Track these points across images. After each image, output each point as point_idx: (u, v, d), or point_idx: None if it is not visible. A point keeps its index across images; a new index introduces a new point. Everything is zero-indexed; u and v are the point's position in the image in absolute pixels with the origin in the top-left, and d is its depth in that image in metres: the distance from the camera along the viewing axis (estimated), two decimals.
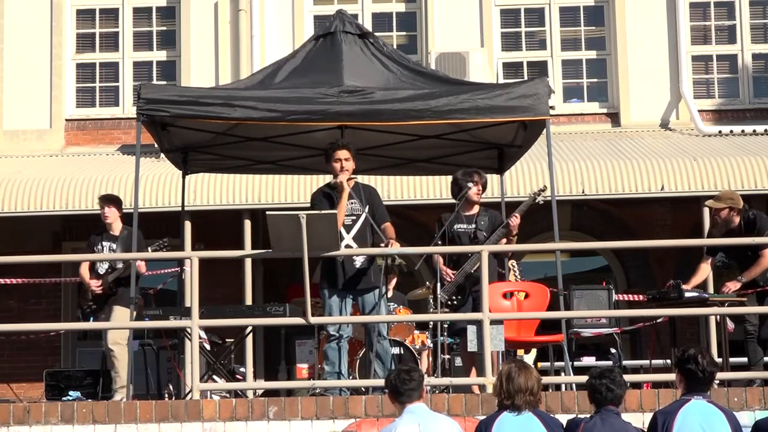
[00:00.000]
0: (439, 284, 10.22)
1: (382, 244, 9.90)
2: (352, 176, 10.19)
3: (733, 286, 10.41)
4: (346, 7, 14.25)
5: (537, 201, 10.45)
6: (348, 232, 9.94)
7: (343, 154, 9.98)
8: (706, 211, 14.54)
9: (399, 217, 13.72)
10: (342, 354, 9.88)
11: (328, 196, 10.03)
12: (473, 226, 10.38)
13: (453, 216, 10.37)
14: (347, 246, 9.82)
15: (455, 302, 10.18)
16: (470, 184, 10.36)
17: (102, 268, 11.55)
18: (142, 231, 10.89)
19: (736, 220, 10.63)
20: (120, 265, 11.42)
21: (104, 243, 11.58)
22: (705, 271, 10.79)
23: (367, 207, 10.02)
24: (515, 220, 10.23)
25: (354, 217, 9.97)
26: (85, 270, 11.62)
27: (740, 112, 17.37)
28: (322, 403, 8.67)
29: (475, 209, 10.48)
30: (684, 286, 10.26)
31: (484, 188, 10.59)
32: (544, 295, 10.88)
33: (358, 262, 9.91)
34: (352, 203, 9.99)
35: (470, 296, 10.17)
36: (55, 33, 17.49)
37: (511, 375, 6.99)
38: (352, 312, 10.11)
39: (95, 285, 11.46)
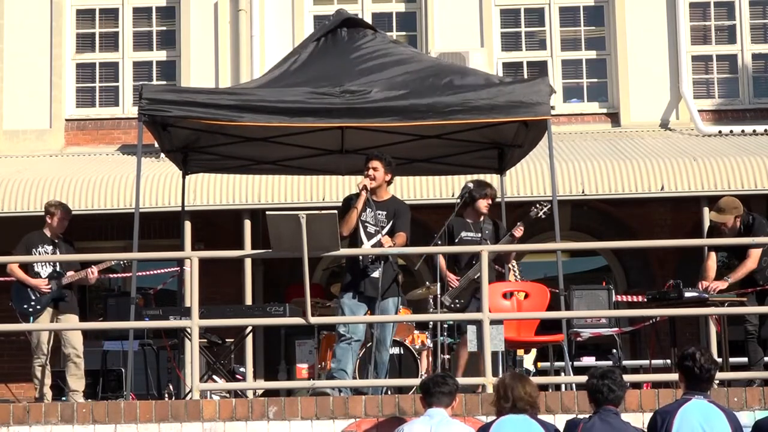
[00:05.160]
0: (439, 289, 10.42)
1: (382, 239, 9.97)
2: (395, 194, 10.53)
3: (720, 285, 10.44)
4: (346, 7, 14.25)
5: (540, 216, 10.71)
6: (369, 239, 10.06)
7: (372, 163, 10.14)
8: (706, 211, 14.57)
9: None
10: (352, 355, 9.89)
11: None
12: (479, 234, 10.68)
13: (460, 223, 10.73)
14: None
15: (458, 305, 10.36)
16: (480, 197, 10.71)
17: (45, 271, 11.34)
18: (143, 231, 10.88)
19: (738, 224, 10.68)
20: (69, 272, 11.34)
21: (46, 247, 11.35)
22: (713, 268, 10.81)
23: (392, 222, 10.10)
24: (519, 232, 10.58)
25: (378, 228, 10.03)
26: (19, 270, 11.29)
27: (740, 112, 17.38)
28: (322, 403, 8.67)
29: (481, 218, 10.81)
30: (705, 285, 10.38)
31: (493, 200, 10.95)
32: (544, 295, 10.88)
33: (376, 272, 9.96)
34: (379, 214, 10.07)
35: (472, 299, 10.30)
36: (55, 33, 17.49)
37: (510, 384, 7.21)
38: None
39: (45, 285, 11.28)
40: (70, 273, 11.41)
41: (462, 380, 9.92)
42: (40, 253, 11.29)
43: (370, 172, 10.09)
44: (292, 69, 10.76)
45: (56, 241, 11.45)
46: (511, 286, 10.87)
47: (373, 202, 10.06)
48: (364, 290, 9.98)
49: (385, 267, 9.97)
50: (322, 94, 10.14)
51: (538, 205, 10.77)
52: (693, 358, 7.02)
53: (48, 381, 11.43)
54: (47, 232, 11.48)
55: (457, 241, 10.62)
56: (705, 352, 7.12)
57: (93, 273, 11.37)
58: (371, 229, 10.06)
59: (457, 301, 10.39)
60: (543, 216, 10.69)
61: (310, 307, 9.28)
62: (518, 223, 10.59)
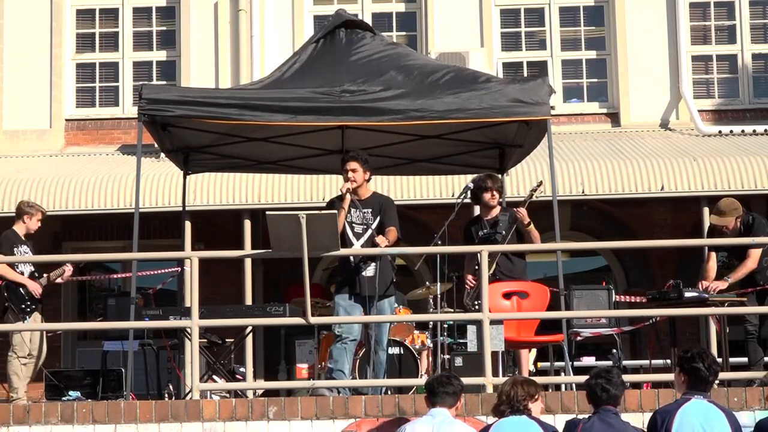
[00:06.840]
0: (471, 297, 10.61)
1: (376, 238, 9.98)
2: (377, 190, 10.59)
3: (720, 285, 10.45)
4: (346, 7, 14.25)
5: (533, 197, 10.83)
6: (358, 239, 10.07)
7: (350, 165, 10.15)
8: (706, 211, 14.57)
9: (399, 217, 13.69)
10: (348, 355, 9.89)
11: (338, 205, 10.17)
12: (494, 229, 10.75)
13: (477, 223, 10.91)
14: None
15: (479, 307, 10.42)
16: (482, 191, 10.79)
17: (27, 271, 11.40)
18: (143, 231, 10.87)
19: (738, 224, 10.68)
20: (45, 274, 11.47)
21: (23, 247, 11.40)
22: (713, 268, 10.83)
23: (379, 218, 10.10)
24: (521, 212, 10.63)
25: (365, 226, 10.05)
26: (10, 269, 11.33)
27: (740, 112, 17.38)
28: (322, 403, 8.67)
29: (495, 212, 10.89)
30: (705, 285, 10.42)
31: (500, 191, 10.99)
32: (544, 295, 10.88)
33: (368, 271, 9.96)
34: (365, 212, 10.08)
35: None
36: (55, 33, 17.50)
37: (508, 388, 7.25)
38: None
39: (38, 288, 11.35)
40: (45, 274, 11.50)
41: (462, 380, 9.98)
42: (20, 252, 11.32)
43: (349, 174, 10.11)
44: (291, 71, 10.76)
45: (27, 241, 11.51)
46: (511, 286, 10.86)
47: (357, 202, 10.08)
48: (360, 290, 9.97)
49: (382, 265, 9.97)
50: (322, 93, 10.15)
51: (531, 190, 10.93)
52: (701, 358, 7.01)
53: (27, 380, 11.45)
54: (20, 231, 11.48)
55: (477, 242, 10.66)
56: (709, 354, 7.12)
57: (70, 269, 11.47)
58: (358, 228, 10.08)
59: (477, 302, 10.40)
60: (540, 193, 10.78)
61: (310, 307, 9.28)
62: (519, 207, 10.71)
